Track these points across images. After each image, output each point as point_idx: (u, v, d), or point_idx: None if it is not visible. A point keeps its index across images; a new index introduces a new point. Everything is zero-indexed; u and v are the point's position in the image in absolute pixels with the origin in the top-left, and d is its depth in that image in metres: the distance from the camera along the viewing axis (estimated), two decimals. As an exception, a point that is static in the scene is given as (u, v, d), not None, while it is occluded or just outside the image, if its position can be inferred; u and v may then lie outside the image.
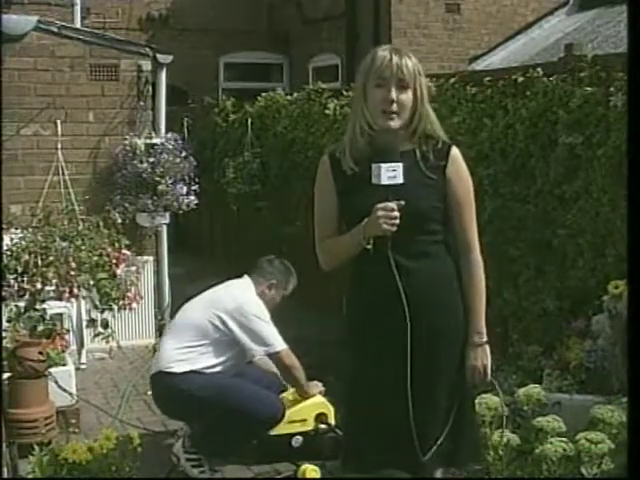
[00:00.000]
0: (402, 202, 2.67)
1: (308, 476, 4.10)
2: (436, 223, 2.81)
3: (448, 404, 2.82)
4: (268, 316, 4.18)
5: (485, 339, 2.86)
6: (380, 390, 2.81)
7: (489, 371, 2.87)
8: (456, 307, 2.84)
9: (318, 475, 4.10)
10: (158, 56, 6.85)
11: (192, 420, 4.25)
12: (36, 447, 3.61)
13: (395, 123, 2.75)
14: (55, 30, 6.61)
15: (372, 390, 2.84)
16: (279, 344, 4.13)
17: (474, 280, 2.85)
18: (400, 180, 2.67)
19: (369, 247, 2.74)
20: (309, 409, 4.38)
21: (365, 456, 2.88)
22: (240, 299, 4.19)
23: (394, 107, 2.72)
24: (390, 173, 2.67)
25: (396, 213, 2.67)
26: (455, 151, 2.84)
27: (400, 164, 2.68)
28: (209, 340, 4.12)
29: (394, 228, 2.68)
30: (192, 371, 4.07)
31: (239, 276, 4.38)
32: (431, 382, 2.79)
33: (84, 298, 4.87)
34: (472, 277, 2.85)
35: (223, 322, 4.10)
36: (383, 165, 2.67)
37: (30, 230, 4.31)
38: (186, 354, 4.10)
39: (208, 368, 4.10)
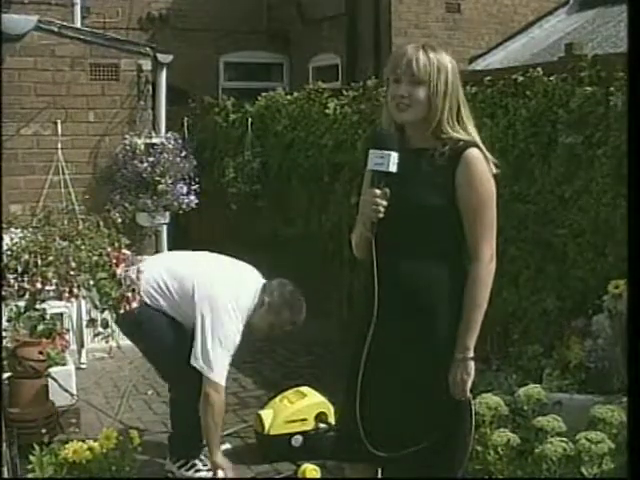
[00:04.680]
0: (387, 190, 2.65)
1: (308, 476, 4.10)
2: (438, 225, 2.74)
3: (428, 413, 2.74)
4: (231, 343, 3.98)
5: (471, 355, 2.71)
6: (362, 384, 2.76)
7: (467, 388, 2.73)
8: (439, 314, 2.73)
9: (318, 475, 4.11)
10: (158, 56, 6.86)
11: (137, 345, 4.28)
12: (36, 447, 3.61)
13: (407, 115, 2.73)
14: (55, 30, 6.62)
15: (356, 383, 2.79)
16: (217, 374, 3.95)
17: (470, 291, 2.72)
18: (389, 169, 2.64)
19: (369, 235, 2.73)
20: (309, 409, 4.39)
21: (343, 444, 2.92)
22: (220, 302, 3.99)
23: (405, 101, 2.72)
24: (377, 160, 2.65)
25: (378, 200, 2.65)
26: (469, 153, 2.71)
27: (391, 152, 2.64)
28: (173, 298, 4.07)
29: (379, 214, 2.66)
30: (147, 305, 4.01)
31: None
32: (404, 386, 2.75)
33: (84, 298, 4.86)
34: (469, 287, 2.72)
35: (196, 308, 4.00)
36: (371, 151, 2.68)
37: (30, 230, 4.30)
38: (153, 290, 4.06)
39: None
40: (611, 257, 4.36)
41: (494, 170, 2.77)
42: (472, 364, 2.73)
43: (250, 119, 8.07)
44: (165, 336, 4.07)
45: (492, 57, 11.18)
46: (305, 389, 4.55)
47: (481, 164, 2.73)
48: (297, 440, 4.34)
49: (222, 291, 4.05)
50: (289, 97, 7.76)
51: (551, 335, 4.60)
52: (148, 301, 4.03)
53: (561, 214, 4.73)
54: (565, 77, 4.70)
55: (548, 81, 4.80)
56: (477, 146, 2.75)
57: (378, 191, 2.66)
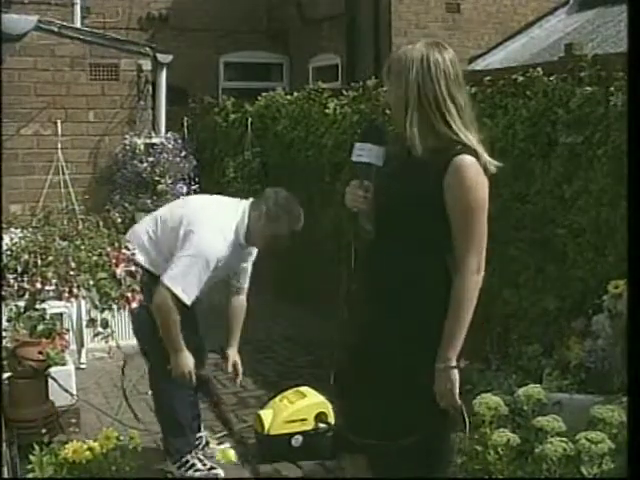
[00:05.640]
0: (367, 182, 2.68)
1: (227, 458, 3.90)
2: (424, 228, 2.69)
3: (401, 402, 2.72)
4: (205, 260, 3.82)
5: (453, 364, 2.64)
6: (337, 371, 2.82)
7: (456, 395, 2.68)
8: (409, 309, 2.69)
9: (234, 459, 3.91)
10: (158, 55, 6.87)
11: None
12: (36, 447, 3.61)
13: (392, 120, 2.79)
14: (55, 30, 6.63)
15: (342, 373, 2.84)
16: (173, 281, 3.83)
17: (452, 302, 2.63)
18: (370, 161, 2.68)
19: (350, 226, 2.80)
20: (309, 409, 4.39)
21: (335, 435, 3.03)
22: (205, 222, 3.91)
23: (389, 106, 2.79)
24: (359, 152, 2.72)
25: (358, 191, 2.70)
26: (458, 161, 2.60)
27: (372, 146, 2.68)
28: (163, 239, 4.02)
29: (360, 205, 2.70)
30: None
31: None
32: (372, 373, 2.75)
33: (84, 298, 4.87)
34: (453, 300, 2.63)
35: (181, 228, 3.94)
36: (356, 144, 2.75)
37: (30, 230, 4.31)
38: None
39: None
40: (611, 257, 4.36)
41: (493, 170, 2.69)
42: (455, 372, 2.67)
43: (250, 119, 8.07)
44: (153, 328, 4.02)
45: (492, 57, 11.17)
46: (305, 389, 4.55)
47: (471, 172, 2.61)
48: (297, 440, 4.35)
49: (207, 216, 3.97)
50: (289, 97, 7.77)
51: (551, 335, 4.60)
52: (142, 259, 3.96)
53: (561, 214, 4.73)
54: (565, 77, 4.70)
55: (548, 81, 4.80)
56: (472, 152, 2.64)
57: (358, 182, 2.71)
